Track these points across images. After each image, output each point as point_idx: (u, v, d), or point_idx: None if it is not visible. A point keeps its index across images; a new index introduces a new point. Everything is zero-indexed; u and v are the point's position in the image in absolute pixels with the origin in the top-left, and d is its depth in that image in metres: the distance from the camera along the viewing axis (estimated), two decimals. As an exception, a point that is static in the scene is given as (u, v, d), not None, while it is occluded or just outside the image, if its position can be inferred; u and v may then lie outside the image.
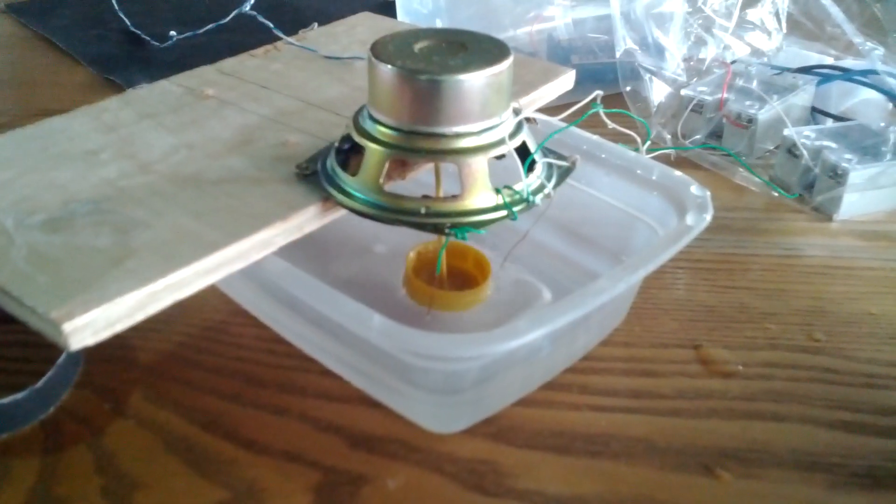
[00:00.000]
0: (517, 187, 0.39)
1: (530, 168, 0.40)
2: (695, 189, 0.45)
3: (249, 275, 0.43)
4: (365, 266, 0.52)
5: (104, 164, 0.42)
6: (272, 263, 0.38)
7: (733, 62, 0.73)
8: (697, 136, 0.68)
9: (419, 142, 0.38)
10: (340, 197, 0.39)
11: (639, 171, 0.48)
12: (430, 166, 0.42)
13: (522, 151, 0.40)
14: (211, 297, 0.49)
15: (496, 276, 0.47)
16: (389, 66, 0.37)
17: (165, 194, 0.39)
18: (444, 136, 0.37)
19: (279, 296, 0.44)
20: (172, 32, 0.77)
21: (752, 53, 0.75)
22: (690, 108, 0.68)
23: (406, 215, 0.38)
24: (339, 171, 0.40)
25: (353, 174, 0.39)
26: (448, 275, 0.46)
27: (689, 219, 0.43)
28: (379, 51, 0.38)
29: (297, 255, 0.40)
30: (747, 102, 0.66)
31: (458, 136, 0.38)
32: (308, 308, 0.38)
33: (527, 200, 0.39)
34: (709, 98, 0.68)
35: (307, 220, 0.39)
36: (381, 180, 0.38)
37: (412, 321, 0.35)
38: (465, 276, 0.47)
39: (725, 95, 0.67)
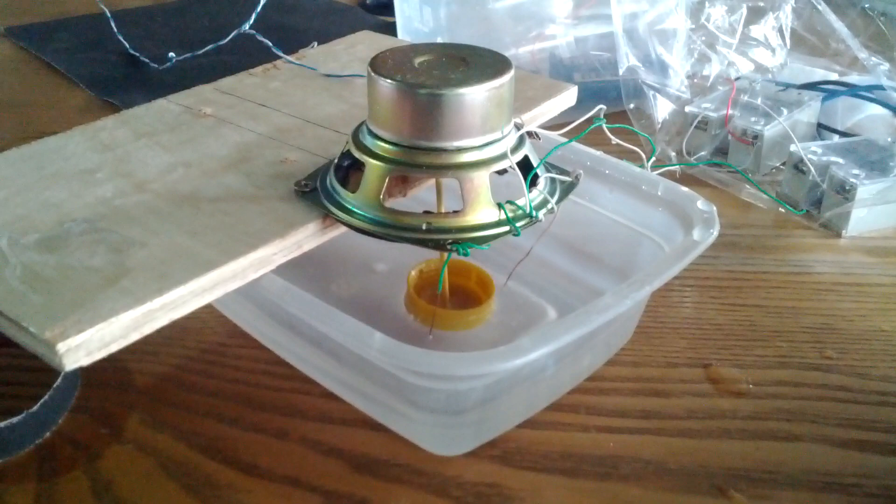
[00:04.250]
0: (520, 202, 0.38)
1: (533, 183, 0.39)
2: (701, 204, 0.44)
3: (248, 295, 0.43)
4: (366, 285, 0.51)
5: (100, 183, 0.41)
6: (270, 282, 0.38)
7: (737, 79, 0.72)
8: (702, 153, 0.67)
9: (420, 157, 0.37)
10: (340, 214, 0.38)
11: (644, 187, 0.47)
12: (431, 183, 0.42)
13: (525, 166, 0.39)
14: (209, 319, 0.49)
15: (500, 295, 0.46)
16: (389, 81, 0.36)
17: (161, 213, 0.39)
18: (444, 150, 0.37)
19: (278, 316, 0.43)
20: (171, 54, 0.77)
21: (755, 70, 0.75)
22: (695, 124, 0.67)
23: (407, 231, 0.37)
24: (338, 187, 0.39)
25: (353, 191, 0.38)
26: (451, 293, 0.45)
27: (696, 234, 0.42)
28: (378, 65, 0.38)
29: (296, 276, 0.39)
30: (752, 119, 0.66)
31: (460, 150, 0.37)
32: (308, 328, 0.37)
33: (530, 216, 0.38)
34: (713, 114, 0.67)
35: (306, 237, 0.38)
36: (382, 196, 0.37)
37: (414, 341, 0.34)
38: (467, 295, 0.46)
39: (730, 112, 0.66)
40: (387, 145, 0.38)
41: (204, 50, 0.75)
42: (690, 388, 0.44)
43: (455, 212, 0.37)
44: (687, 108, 0.68)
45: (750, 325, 0.49)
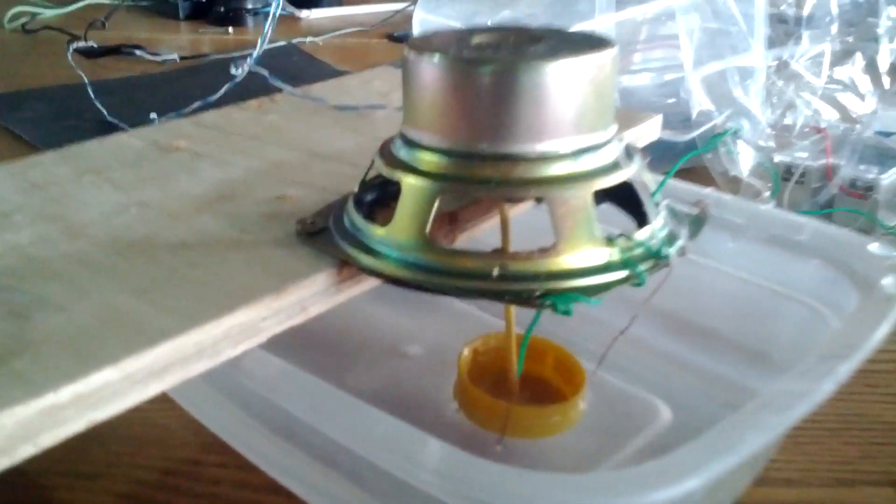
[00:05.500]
0: (639, 236, 0.25)
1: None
2: (876, 249, 0.31)
3: (229, 387, 0.31)
4: (395, 374, 0.39)
5: (15, 228, 0.31)
6: (260, 364, 0.25)
7: (825, 127, 0.60)
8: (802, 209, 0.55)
9: (483, 169, 0.25)
10: (365, 259, 0.26)
11: (780, 232, 0.34)
12: (494, 217, 0.29)
13: (629, 190, 0.26)
14: (176, 425, 0.37)
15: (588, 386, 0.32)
16: (437, 57, 0.24)
17: (97, 265, 0.28)
18: (522, 159, 0.25)
19: (272, 419, 0.30)
20: (153, 115, 0.67)
21: (841, 118, 0.63)
22: (793, 177, 0.55)
23: (469, 280, 0.24)
24: (360, 222, 0.27)
25: (384, 226, 0.26)
26: (518, 384, 0.32)
27: (890, 287, 0.29)
28: (420, 44, 0.26)
29: (298, 363, 0.26)
30: (862, 167, 0.54)
31: (546, 159, 0.25)
32: (316, 435, 0.24)
33: (656, 255, 0.25)
34: (813, 164, 0.55)
35: (313, 295, 0.26)
36: (428, 229, 0.25)
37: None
38: (542, 386, 0.33)
39: (833, 161, 0.54)
40: (433, 155, 0.26)
41: (191, 108, 0.64)
42: (887, 518, 0.30)
43: (542, 250, 0.24)
44: (777, 158, 0.56)
45: (939, 424, 0.35)
